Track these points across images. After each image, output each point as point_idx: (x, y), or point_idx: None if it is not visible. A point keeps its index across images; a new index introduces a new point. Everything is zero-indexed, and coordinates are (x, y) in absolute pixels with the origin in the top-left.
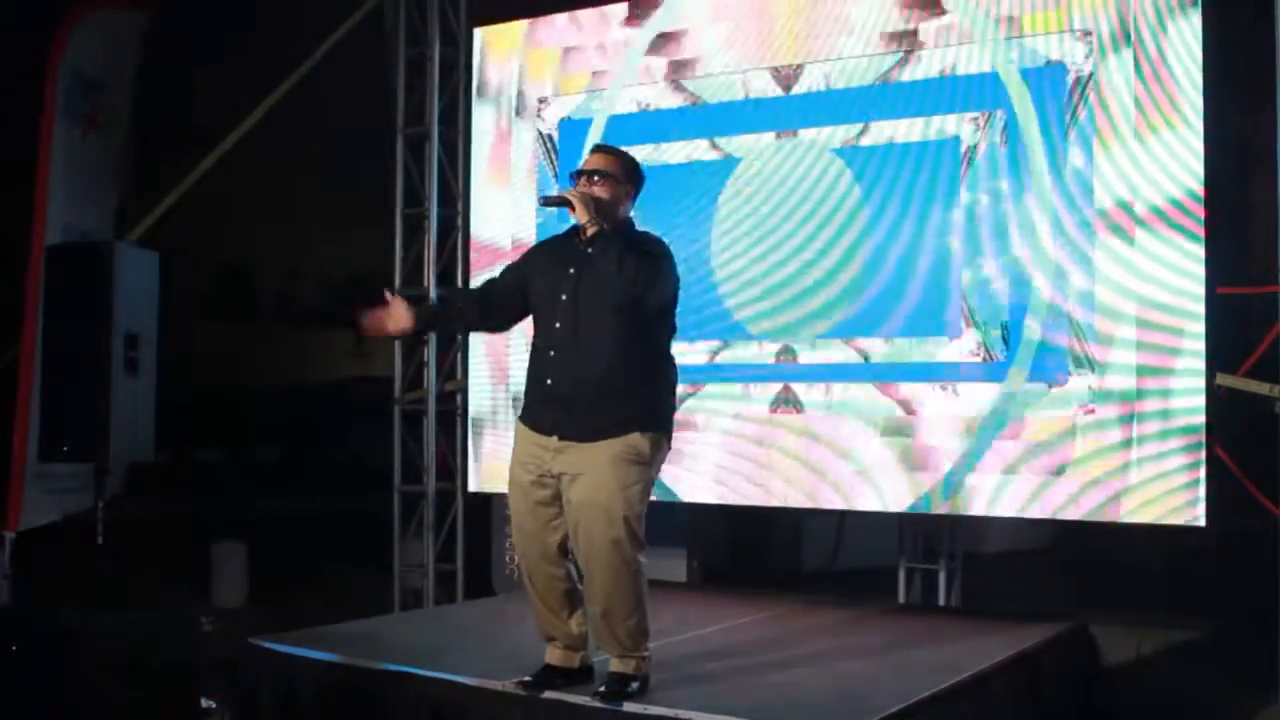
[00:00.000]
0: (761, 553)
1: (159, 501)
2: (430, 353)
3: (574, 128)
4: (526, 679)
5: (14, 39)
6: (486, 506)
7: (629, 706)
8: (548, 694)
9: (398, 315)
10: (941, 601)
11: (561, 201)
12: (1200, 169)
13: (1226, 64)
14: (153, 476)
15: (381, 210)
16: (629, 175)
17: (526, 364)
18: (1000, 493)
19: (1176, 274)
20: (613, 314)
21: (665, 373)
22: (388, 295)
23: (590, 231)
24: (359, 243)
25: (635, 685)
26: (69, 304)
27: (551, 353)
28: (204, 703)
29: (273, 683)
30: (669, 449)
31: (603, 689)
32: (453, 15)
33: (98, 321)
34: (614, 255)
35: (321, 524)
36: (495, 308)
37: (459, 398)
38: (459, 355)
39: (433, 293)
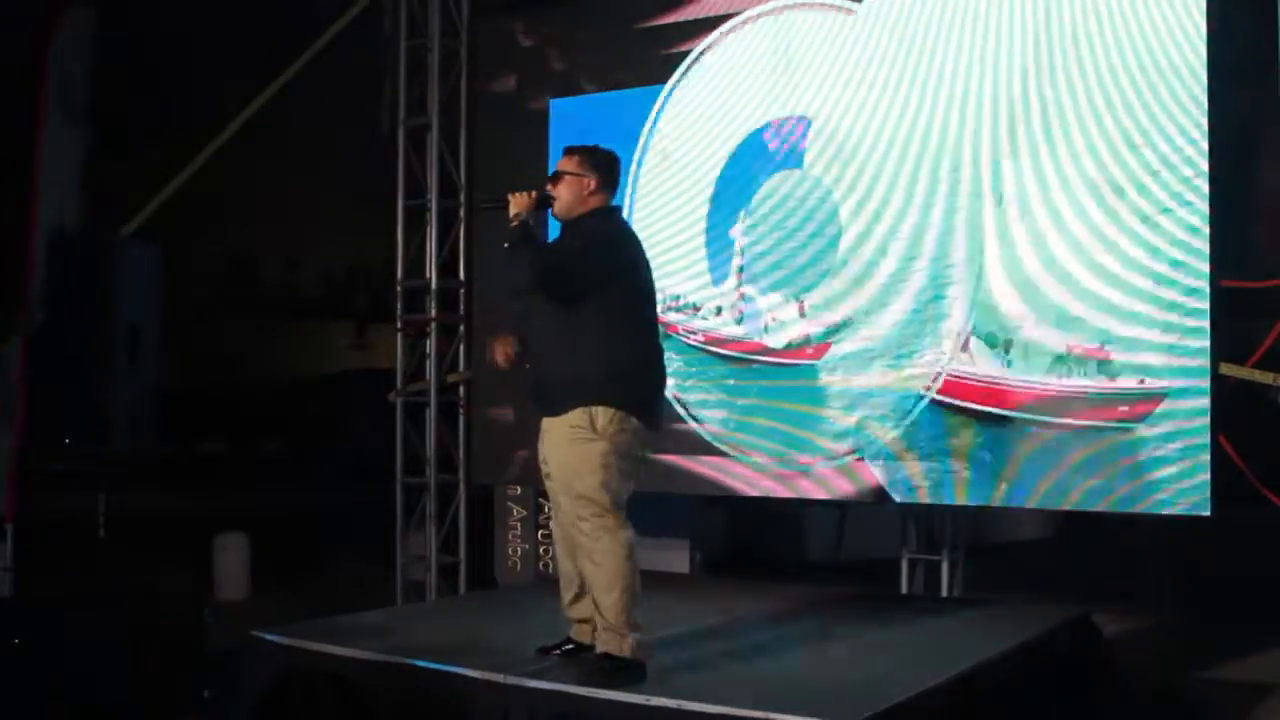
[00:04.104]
0: (764, 544)
1: (161, 493)
2: (431, 345)
3: None
4: (547, 645)
5: (9, 34)
6: (489, 499)
7: (630, 697)
8: (551, 685)
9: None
10: (944, 592)
11: (498, 204)
12: (1205, 159)
13: (1231, 52)
14: (155, 469)
15: (383, 202)
16: (591, 167)
17: None
18: (1005, 485)
19: (1180, 267)
20: (549, 303)
21: (609, 353)
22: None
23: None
24: (360, 235)
25: (618, 666)
26: (71, 296)
27: (528, 339)
28: (206, 694)
29: (274, 675)
30: (645, 424)
31: (585, 669)
32: (454, 7)
33: (100, 313)
34: (512, 252)
35: (323, 516)
36: None
37: (461, 389)
38: (460, 347)
39: (434, 284)
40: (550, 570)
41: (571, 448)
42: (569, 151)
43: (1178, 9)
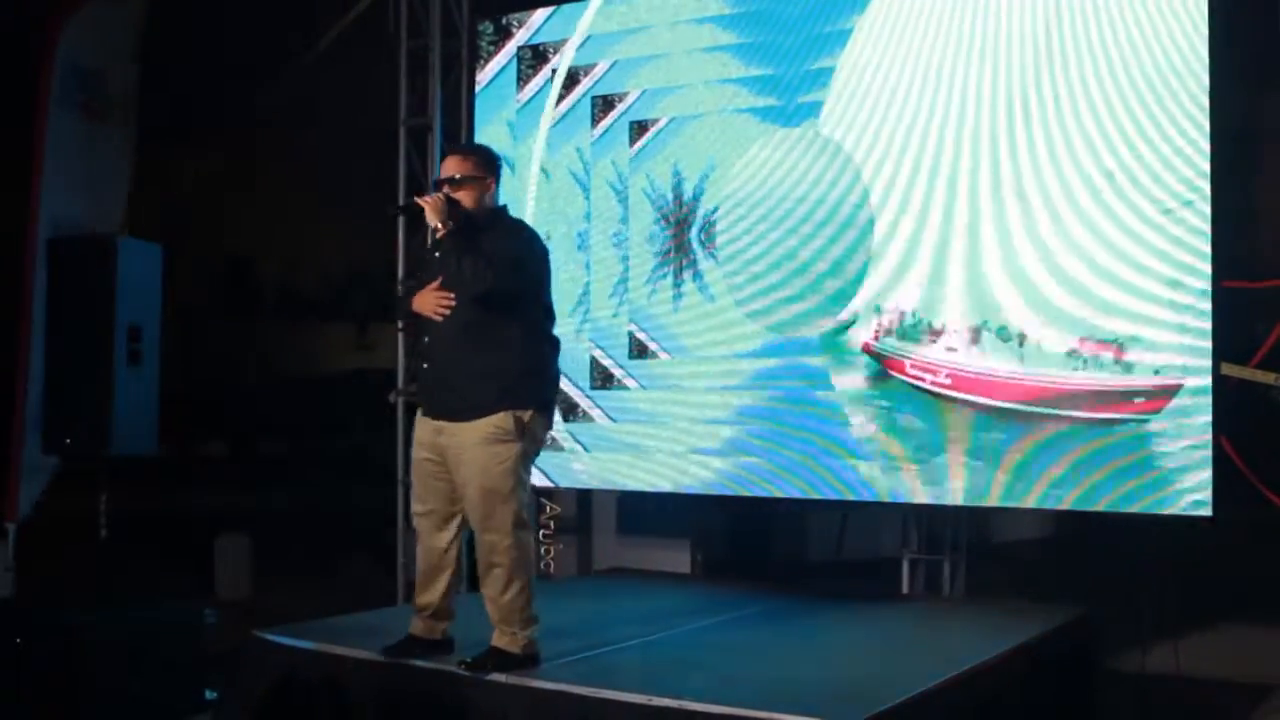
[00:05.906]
0: (765, 544)
1: (162, 493)
2: None
3: None
4: (390, 645)
5: (10, 30)
6: None
7: (630, 697)
8: (551, 685)
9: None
10: (945, 592)
11: (411, 209)
12: (1207, 159)
13: (1232, 52)
14: (155, 469)
15: (384, 202)
16: (488, 167)
17: None
18: (1006, 485)
19: (1181, 268)
20: (469, 304)
21: (532, 353)
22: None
23: (440, 233)
24: (361, 235)
25: (509, 662)
26: (71, 296)
27: (426, 339)
28: (207, 695)
29: (276, 675)
30: (549, 426)
31: (470, 659)
32: (454, 7)
33: (100, 314)
34: (455, 255)
35: (324, 516)
36: None
37: None
38: None
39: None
40: (550, 570)
41: (488, 449)
42: (464, 154)
43: (1179, 8)
